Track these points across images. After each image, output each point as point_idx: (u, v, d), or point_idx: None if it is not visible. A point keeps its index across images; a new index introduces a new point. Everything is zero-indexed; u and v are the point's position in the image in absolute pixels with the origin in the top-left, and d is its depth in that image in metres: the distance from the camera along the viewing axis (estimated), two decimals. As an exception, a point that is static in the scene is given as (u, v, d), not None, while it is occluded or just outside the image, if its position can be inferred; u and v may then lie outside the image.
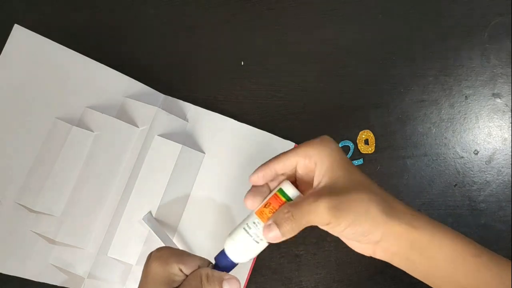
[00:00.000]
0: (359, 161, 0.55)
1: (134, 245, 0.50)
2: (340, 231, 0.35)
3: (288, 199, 0.36)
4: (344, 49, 0.58)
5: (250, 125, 0.55)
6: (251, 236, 0.35)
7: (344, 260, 0.54)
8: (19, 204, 0.51)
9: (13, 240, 0.51)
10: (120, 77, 0.55)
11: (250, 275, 0.53)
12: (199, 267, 0.36)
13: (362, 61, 0.58)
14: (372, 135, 0.55)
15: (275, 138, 0.55)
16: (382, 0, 0.59)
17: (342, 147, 0.55)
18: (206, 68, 0.58)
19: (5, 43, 0.53)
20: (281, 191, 0.36)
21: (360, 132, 0.55)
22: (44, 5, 0.59)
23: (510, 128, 0.56)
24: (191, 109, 0.56)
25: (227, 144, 0.55)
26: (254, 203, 0.37)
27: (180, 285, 0.35)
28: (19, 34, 0.53)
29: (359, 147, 0.55)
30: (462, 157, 0.56)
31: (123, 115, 0.54)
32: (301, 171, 0.37)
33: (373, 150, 0.55)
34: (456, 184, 0.55)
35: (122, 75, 0.55)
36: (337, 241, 0.56)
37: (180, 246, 0.53)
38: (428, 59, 0.57)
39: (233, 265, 0.37)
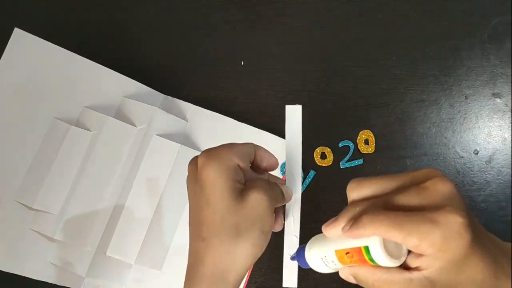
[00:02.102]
0: (359, 161, 0.55)
1: (133, 244, 0.50)
2: None
3: (373, 261, 0.29)
4: (344, 49, 0.58)
5: (250, 125, 0.55)
6: (329, 267, 0.32)
7: (344, 260, 0.53)
8: (19, 202, 0.52)
9: (12, 238, 0.52)
10: (119, 77, 0.55)
11: (250, 275, 0.53)
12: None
13: (362, 61, 0.58)
14: (372, 135, 0.55)
15: (275, 138, 0.55)
16: (382, 0, 0.59)
17: (342, 147, 0.55)
18: (206, 68, 0.58)
19: (5, 46, 0.54)
20: (367, 250, 0.29)
21: (360, 132, 0.55)
22: (44, 6, 0.59)
23: (510, 128, 0.56)
24: (190, 109, 0.56)
25: (227, 144, 0.55)
26: (334, 230, 0.30)
27: (245, 188, 0.34)
28: (19, 38, 0.54)
29: (359, 147, 0.55)
30: (462, 157, 0.56)
31: (121, 114, 0.54)
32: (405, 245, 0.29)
33: (373, 150, 0.55)
34: (456, 184, 0.55)
35: (122, 76, 0.55)
36: (337, 241, 0.56)
37: (180, 246, 0.53)
38: (428, 59, 0.57)
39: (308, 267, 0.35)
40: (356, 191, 0.31)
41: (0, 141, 0.53)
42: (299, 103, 0.57)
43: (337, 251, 0.31)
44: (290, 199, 0.38)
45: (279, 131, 0.55)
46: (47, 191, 0.52)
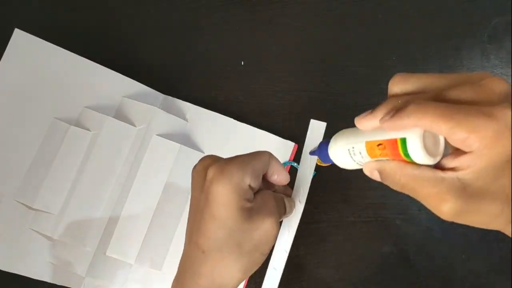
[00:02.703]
0: (359, 161, 0.55)
1: (132, 244, 0.51)
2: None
3: (407, 155, 0.27)
4: (344, 49, 0.58)
5: (250, 125, 0.55)
6: (354, 160, 0.31)
7: (344, 260, 0.53)
8: (18, 202, 0.52)
9: (12, 238, 0.52)
10: (119, 77, 0.55)
11: (250, 275, 0.53)
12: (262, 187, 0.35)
13: (362, 61, 0.58)
14: (372, 135, 0.55)
15: (275, 138, 0.55)
16: (382, 0, 0.59)
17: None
18: (206, 68, 0.58)
19: (5, 46, 0.54)
20: (403, 142, 0.27)
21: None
22: (44, 6, 0.59)
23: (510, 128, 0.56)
24: (190, 109, 0.56)
25: (227, 144, 0.55)
26: (370, 123, 0.29)
27: (254, 207, 0.34)
28: (19, 38, 0.54)
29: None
30: (462, 157, 0.56)
31: (121, 114, 0.55)
32: (448, 140, 0.26)
33: (373, 150, 0.55)
34: None
35: (122, 76, 0.55)
36: (337, 241, 0.56)
37: (180, 246, 0.53)
38: (428, 59, 0.57)
39: (330, 162, 0.34)
40: (400, 85, 0.28)
41: (0, 141, 0.53)
42: (299, 103, 0.57)
43: (367, 142, 0.29)
44: (291, 213, 0.38)
45: (279, 131, 0.55)
46: (47, 190, 0.52)
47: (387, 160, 0.28)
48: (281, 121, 0.56)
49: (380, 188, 0.52)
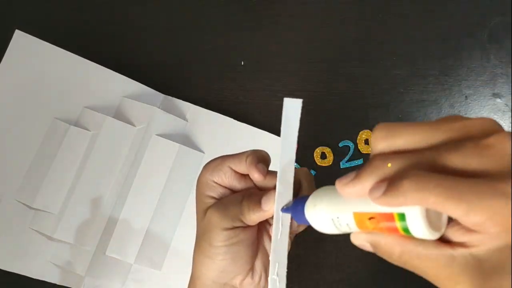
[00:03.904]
0: (359, 161, 0.55)
1: (132, 244, 0.51)
2: None
3: (407, 231, 0.23)
4: (344, 49, 0.58)
5: (250, 125, 0.55)
6: (339, 230, 0.27)
7: (344, 260, 0.53)
8: (19, 201, 0.52)
9: (12, 237, 0.52)
10: (119, 78, 0.55)
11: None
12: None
13: (362, 61, 0.58)
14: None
15: (275, 138, 0.55)
16: (382, 0, 0.59)
17: (342, 147, 0.55)
18: (206, 68, 0.58)
19: (6, 47, 0.54)
20: (402, 218, 0.22)
21: (360, 132, 0.55)
22: (44, 7, 0.59)
23: (510, 128, 0.56)
24: (190, 109, 0.56)
25: (227, 144, 0.55)
26: (355, 191, 0.24)
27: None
28: (20, 39, 0.54)
29: (359, 147, 0.55)
30: (462, 157, 0.56)
31: (121, 114, 0.55)
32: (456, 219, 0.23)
33: (373, 150, 0.55)
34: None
35: (122, 76, 0.55)
36: (337, 241, 0.56)
37: (180, 246, 0.53)
38: (428, 59, 0.57)
39: (306, 223, 0.30)
40: (385, 141, 0.24)
41: (0, 141, 0.53)
42: (299, 103, 0.57)
43: (356, 214, 0.24)
44: (255, 217, 0.33)
45: (279, 131, 0.55)
46: (47, 190, 0.52)
47: (382, 234, 0.24)
48: (281, 121, 0.56)
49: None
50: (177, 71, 0.58)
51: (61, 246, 0.52)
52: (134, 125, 0.54)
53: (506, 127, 0.56)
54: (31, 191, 0.52)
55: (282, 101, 0.60)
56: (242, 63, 0.58)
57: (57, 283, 0.52)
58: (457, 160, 0.21)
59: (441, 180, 0.20)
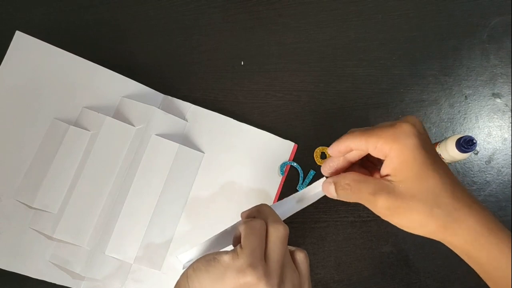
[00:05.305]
0: (359, 161, 0.55)
1: (131, 244, 0.51)
2: (392, 222, 0.34)
3: None
4: (344, 49, 0.58)
5: (250, 125, 0.55)
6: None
7: (344, 260, 0.53)
8: (18, 201, 0.52)
9: (12, 237, 0.52)
10: (119, 78, 0.55)
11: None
12: None
13: (362, 61, 0.58)
14: (372, 135, 0.55)
15: (275, 138, 0.55)
16: (382, 0, 0.59)
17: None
18: (206, 68, 0.58)
19: (7, 48, 0.54)
20: None
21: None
22: (44, 8, 0.59)
23: (510, 128, 0.56)
24: (190, 108, 0.56)
25: (227, 144, 0.55)
26: (327, 170, 0.37)
27: None
28: (20, 40, 0.55)
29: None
30: (462, 157, 0.56)
31: (120, 114, 0.55)
32: (372, 154, 0.35)
33: (373, 150, 0.55)
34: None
35: (121, 76, 0.55)
36: (337, 241, 0.56)
37: (179, 246, 0.53)
38: (428, 59, 0.57)
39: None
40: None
41: (0, 141, 0.53)
42: (299, 103, 0.57)
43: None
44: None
45: (279, 131, 0.55)
46: (47, 190, 0.52)
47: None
48: (281, 121, 0.56)
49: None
50: (177, 71, 0.58)
51: (60, 246, 0.52)
52: (133, 125, 0.54)
53: (506, 127, 0.56)
54: (31, 191, 0.52)
55: (282, 101, 0.60)
56: (242, 63, 0.58)
57: (57, 283, 0.52)
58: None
59: (361, 130, 0.34)
